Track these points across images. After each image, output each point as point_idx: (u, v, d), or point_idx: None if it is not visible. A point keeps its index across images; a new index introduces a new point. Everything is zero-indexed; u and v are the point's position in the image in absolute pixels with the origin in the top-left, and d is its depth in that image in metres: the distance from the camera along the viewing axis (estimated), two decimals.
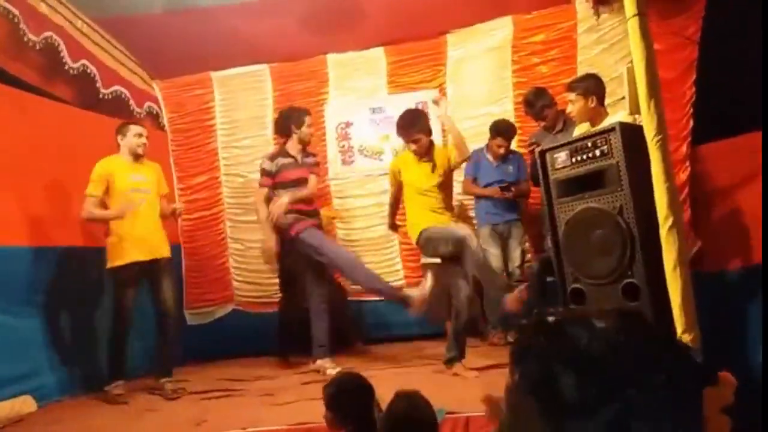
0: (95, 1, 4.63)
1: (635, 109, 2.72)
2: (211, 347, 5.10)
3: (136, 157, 4.04)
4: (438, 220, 3.81)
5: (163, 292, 3.99)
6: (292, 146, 4.28)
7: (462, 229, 3.72)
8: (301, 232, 4.12)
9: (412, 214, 3.94)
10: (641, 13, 2.54)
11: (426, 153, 3.86)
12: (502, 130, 4.66)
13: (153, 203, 4.07)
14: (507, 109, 5.05)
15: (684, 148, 4.65)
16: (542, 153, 3.04)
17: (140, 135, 4.03)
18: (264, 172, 4.28)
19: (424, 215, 3.85)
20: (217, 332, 5.29)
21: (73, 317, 4.28)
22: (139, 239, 3.91)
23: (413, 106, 5.08)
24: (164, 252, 4.05)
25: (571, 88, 3.52)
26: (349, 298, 4.91)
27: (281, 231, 4.18)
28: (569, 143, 2.91)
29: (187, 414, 3.34)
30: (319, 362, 4.07)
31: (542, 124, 4.50)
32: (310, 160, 4.37)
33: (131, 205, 3.85)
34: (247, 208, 5.36)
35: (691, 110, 4.61)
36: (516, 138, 4.83)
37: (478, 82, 5.16)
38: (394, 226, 4.43)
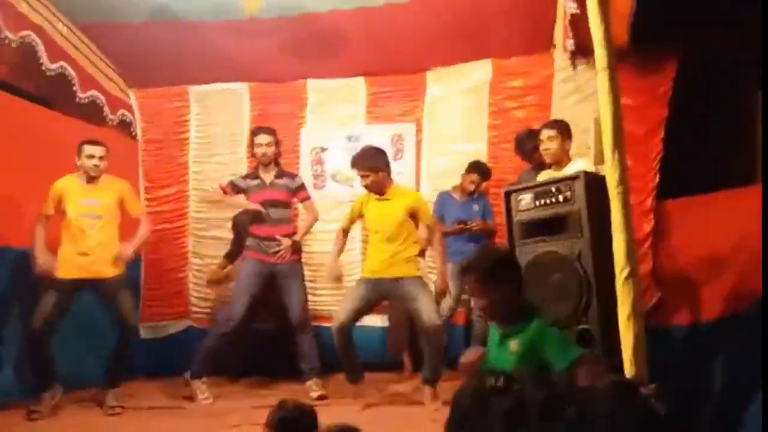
0: (78, 5, 4.59)
1: (600, 159, 2.78)
2: (164, 363, 4.96)
3: (90, 178, 3.96)
4: (395, 262, 3.81)
5: (122, 308, 3.93)
6: (259, 167, 4.30)
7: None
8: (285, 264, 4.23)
9: (367, 254, 4.04)
10: (610, 68, 2.61)
11: (380, 191, 3.90)
12: (478, 168, 4.78)
13: (106, 226, 3.98)
14: (481, 149, 5.11)
15: (649, 201, 4.74)
16: (507, 194, 3.07)
17: (92, 156, 3.93)
18: (231, 184, 4.38)
19: (374, 257, 3.90)
20: (171, 348, 5.15)
21: (14, 321, 4.13)
22: (82, 260, 3.85)
23: (389, 138, 5.18)
24: (113, 271, 3.95)
25: (551, 125, 3.61)
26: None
27: (260, 252, 4.21)
28: (534, 186, 2.96)
29: (130, 428, 3.23)
30: (309, 383, 4.10)
31: (530, 165, 4.56)
32: (285, 182, 4.37)
33: (51, 265, 3.79)
34: (213, 224, 5.31)
35: (658, 165, 4.74)
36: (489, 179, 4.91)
37: (454, 121, 5.23)
38: (337, 271, 4.18)
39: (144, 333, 5.23)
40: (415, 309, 3.73)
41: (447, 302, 4.67)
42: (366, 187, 3.91)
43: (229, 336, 4.15)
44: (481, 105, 5.15)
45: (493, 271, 2.14)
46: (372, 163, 3.87)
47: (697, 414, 3.16)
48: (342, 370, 4.01)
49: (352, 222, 4.14)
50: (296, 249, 4.33)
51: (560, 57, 4.89)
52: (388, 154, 4.95)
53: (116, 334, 3.99)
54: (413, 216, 3.91)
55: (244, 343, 4.51)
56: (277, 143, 4.37)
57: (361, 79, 5.35)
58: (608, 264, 2.50)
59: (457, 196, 4.88)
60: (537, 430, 0.69)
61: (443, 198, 4.91)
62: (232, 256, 4.95)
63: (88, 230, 3.88)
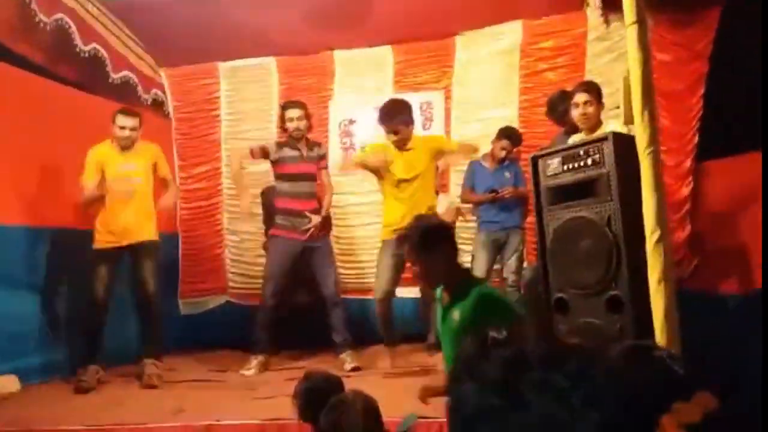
0: None
1: (629, 119, 2.67)
2: (203, 338, 5.10)
3: (124, 147, 4.05)
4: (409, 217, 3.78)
5: (143, 272, 4.02)
6: (292, 141, 4.30)
7: None
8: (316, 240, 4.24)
9: (387, 210, 3.98)
10: (640, 21, 2.48)
11: (405, 144, 3.86)
12: (509, 134, 4.66)
13: (144, 190, 4.10)
14: (512, 114, 5.00)
15: (688, 163, 4.58)
16: (534, 159, 3.00)
17: (123, 128, 4.01)
18: (262, 149, 4.26)
19: (400, 210, 3.84)
20: (209, 323, 5.29)
21: (63, 299, 4.31)
22: (121, 227, 3.98)
23: (418, 106, 5.10)
24: (147, 236, 4.06)
25: (586, 88, 3.48)
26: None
27: (290, 230, 4.23)
28: (562, 150, 2.87)
29: (165, 402, 3.34)
30: (342, 356, 4.12)
31: (563, 128, 4.44)
32: (314, 153, 4.36)
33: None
34: None
35: (698, 124, 4.54)
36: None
37: (484, 86, 5.12)
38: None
39: (183, 309, 5.39)
40: None
41: (477, 271, 4.61)
42: (396, 142, 3.85)
43: (274, 312, 4.21)
44: (512, 68, 5.03)
45: (425, 238, 2.16)
46: (405, 117, 3.85)
47: (736, 383, 3.07)
48: (374, 343, 4.04)
49: (374, 159, 3.96)
50: (326, 224, 4.34)
51: (593, 14, 4.72)
52: (417, 122, 4.94)
53: (137, 303, 4.11)
54: (441, 155, 3.96)
55: (279, 316, 4.58)
56: (307, 117, 4.33)
57: (388, 48, 5.28)
58: (639, 228, 2.42)
59: (487, 164, 4.78)
60: (537, 378, 0.67)
61: (473, 167, 4.81)
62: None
63: (126, 195, 4.00)
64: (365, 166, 4.04)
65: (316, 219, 4.22)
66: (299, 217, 4.23)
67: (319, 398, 2.01)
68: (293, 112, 4.27)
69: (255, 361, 4.15)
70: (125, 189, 3.99)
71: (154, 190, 4.23)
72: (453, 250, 2.22)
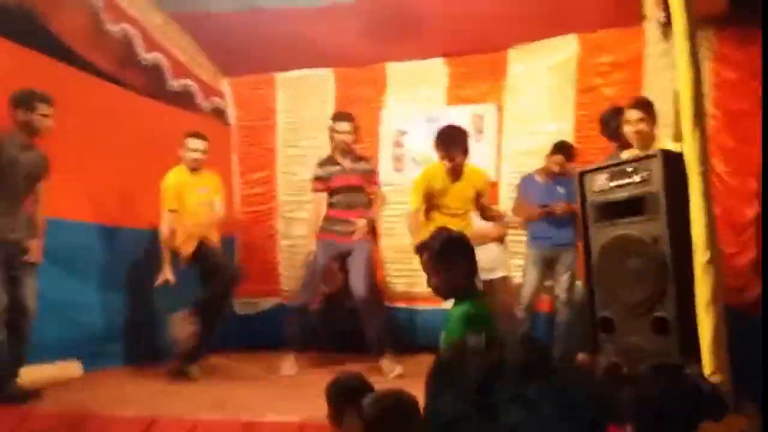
0: None
1: (679, 136, 2.61)
2: (256, 338, 5.24)
3: (194, 169, 4.28)
4: None
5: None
6: (336, 152, 4.38)
7: None
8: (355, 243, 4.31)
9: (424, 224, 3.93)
10: (690, 38, 2.45)
11: (458, 172, 3.86)
12: (564, 148, 4.59)
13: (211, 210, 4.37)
14: (566, 129, 4.93)
15: (753, 183, 4.39)
16: (582, 174, 2.96)
17: (195, 150, 4.25)
18: (316, 178, 4.44)
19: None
20: (263, 323, 5.43)
21: (126, 294, 4.55)
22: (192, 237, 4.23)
23: (469, 119, 5.11)
24: (211, 238, 4.31)
25: (640, 106, 3.40)
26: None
27: (330, 233, 4.33)
28: (609, 166, 2.83)
29: (211, 396, 3.47)
30: (382, 362, 4.14)
31: (616, 145, 4.35)
32: (360, 166, 4.44)
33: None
34: (300, 206, 5.50)
35: (764, 144, 4.36)
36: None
37: (538, 99, 5.08)
38: None
39: (238, 309, 5.55)
40: None
41: (527, 290, 4.58)
42: (451, 168, 3.83)
43: (305, 313, 4.31)
44: (567, 82, 4.97)
45: (445, 250, 2.14)
46: (463, 144, 3.83)
47: None
48: (422, 351, 4.04)
49: (425, 200, 3.95)
50: (371, 228, 4.42)
51: (652, 29, 4.60)
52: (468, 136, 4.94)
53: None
54: (478, 195, 3.92)
55: (329, 319, 4.69)
56: (354, 130, 4.41)
57: (440, 60, 5.31)
58: (687, 249, 2.37)
59: (540, 178, 4.72)
60: (510, 387, 0.69)
61: (526, 181, 4.77)
62: None
63: (203, 217, 4.29)
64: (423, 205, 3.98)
65: (361, 222, 4.29)
66: (343, 222, 4.33)
67: (345, 395, 2.05)
68: (342, 126, 4.36)
69: (290, 359, 4.24)
70: (202, 212, 4.27)
71: None
72: (471, 264, 2.20)
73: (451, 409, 0.71)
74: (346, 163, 4.40)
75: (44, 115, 3.40)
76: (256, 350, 5.05)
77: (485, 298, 2.31)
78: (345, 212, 4.35)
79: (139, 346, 4.57)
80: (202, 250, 4.20)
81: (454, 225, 3.74)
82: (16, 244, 3.41)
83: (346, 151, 4.40)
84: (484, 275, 4.25)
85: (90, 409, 3.15)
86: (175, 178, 4.28)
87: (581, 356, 4.41)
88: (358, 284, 4.27)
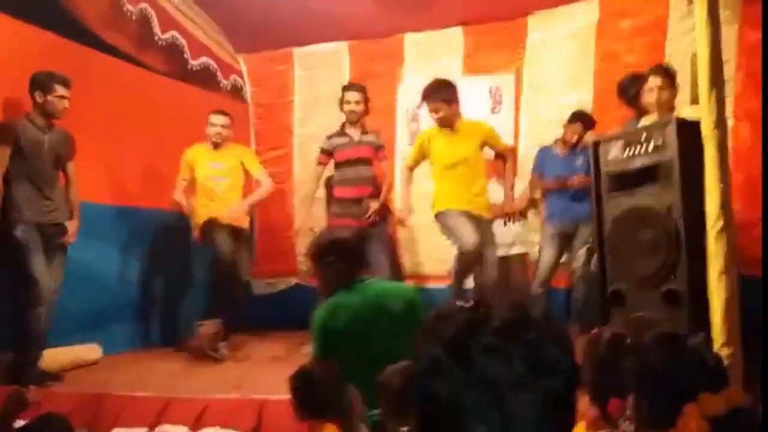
0: None
1: (696, 99, 2.51)
2: (274, 318, 5.27)
3: (215, 144, 4.30)
4: (462, 199, 3.74)
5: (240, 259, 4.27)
6: (346, 124, 4.34)
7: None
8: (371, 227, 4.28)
9: (436, 191, 3.93)
10: None
11: (449, 125, 3.82)
12: (582, 117, 4.49)
13: (232, 185, 4.37)
14: (586, 98, 4.80)
15: None
16: (596, 144, 2.88)
17: (214, 125, 4.29)
18: (321, 151, 4.45)
19: (448, 192, 3.81)
20: (281, 304, 5.47)
21: (147, 276, 4.62)
22: (216, 204, 4.28)
23: (487, 90, 5.02)
24: (241, 223, 4.34)
25: (660, 72, 3.30)
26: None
27: (343, 218, 4.30)
28: (623, 135, 2.74)
29: (228, 376, 3.54)
30: None
31: (635, 112, 4.23)
32: (369, 138, 4.39)
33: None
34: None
35: None
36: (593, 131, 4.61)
37: (557, 68, 4.94)
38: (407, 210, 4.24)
39: (256, 289, 5.59)
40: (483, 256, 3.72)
41: (544, 266, 4.51)
42: (438, 120, 3.84)
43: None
44: (587, 50, 4.81)
45: (322, 254, 2.35)
46: (445, 95, 3.79)
47: None
48: None
49: (418, 159, 4.04)
50: (383, 211, 4.40)
51: None
52: (486, 106, 4.84)
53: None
54: (489, 146, 3.90)
55: None
56: (365, 101, 4.37)
57: (458, 29, 5.18)
58: (701, 218, 2.29)
59: (558, 150, 4.61)
60: (487, 341, 0.70)
61: (543, 153, 4.65)
62: None
63: (215, 189, 4.31)
64: (415, 163, 4.06)
65: (373, 204, 4.26)
66: (354, 203, 4.30)
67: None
68: (351, 95, 4.34)
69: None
70: (211, 186, 4.28)
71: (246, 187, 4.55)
72: (348, 263, 2.34)
73: (430, 358, 0.73)
74: (355, 134, 4.37)
75: (61, 97, 3.45)
76: (274, 330, 5.09)
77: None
78: (352, 189, 4.33)
79: (160, 327, 4.66)
80: (210, 231, 4.22)
81: (465, 185, 3.71)
82: (55, 226, 3.50)
83: (355, 122, 4.38)
84: (502, 251, 4.21)
85: (108, 390, 3.24)
86: (192, 151, 4.36)
87: (573, 331, 4.39)
88: (381, 268, 4.22)
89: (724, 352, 2.19)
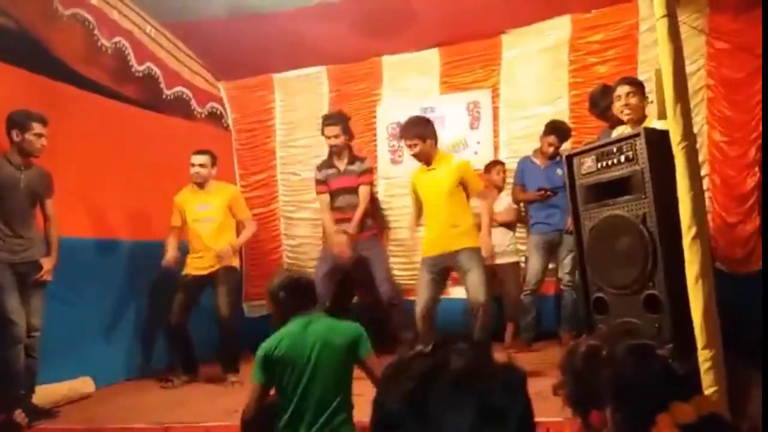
0: (163, 7, 4.89)
1: (663, 114, 2.60)
2: (265, 340, 5.27)
3: (199, 185, 4.35)
4: (441, 238, 3.81)
5: (217, 297, 4.30)
6: (335, 156, 4.49)
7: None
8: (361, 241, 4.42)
9: (425, 227, 4.04)
10: (670, 14, 2.42)
11: (427, 161, 3.89)
12: (556, 129, 4.61)
13: (220, 225, 4.39)
14: (562, 110, 4.92)
15: (752, 152, 4.37)
16: (569, 157, 2.96)
17: (193, 165, 4.33)
18: (317, 182, 4.57)
19: (428, 232, 3.92)
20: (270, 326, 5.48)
21: (133, 307, 4.62)
22: (199, 257, 4.32)
23: (465, 106, 5.12)
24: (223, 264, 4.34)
25: (629, 81, 3.40)
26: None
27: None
28: (595, 147, 2.82)
29: (222, 403, 3.53)
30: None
31: (607, 123, 4.34)
32: (356, 167, 4.48)
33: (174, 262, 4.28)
34: (300, 206, 5.55)
35: (761, 112, 4.31)
36: (570, 140, 4.72)
37: (532, 82, 5.06)
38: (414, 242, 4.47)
39: (248, 312, 5.61)
40: (466, 284, 3.77)
41: (532, 275, 4.59)
42: (414, 156, 3.91)
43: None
44: (561, 63, 4.95)
45: (276, 291, 2.58)
46: (418, 131, 3.86)
47: None
48: None
49: (415, 200, 4.11)
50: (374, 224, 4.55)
51: (644, 4, 4.57)
52: (464, 123, 4.93)
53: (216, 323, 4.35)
54: (464, 186, 3.88)
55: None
56: (345, 131, 4.45)
57: (434, 51, 5.30)
58: (676, 225, 2.36)
59: (538, 161, 4.73)
60: (445, 392, 0.72)
61: (524, 164, 4.78)
62: None
63: (202, 233, 4.34)
64: (415, 202, 4.13)
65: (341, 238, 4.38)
66: (345, 224, 4.41)
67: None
68: (329, 130, 4.44)
69: None
70: (198, 230, 4.33)
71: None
72: (295, 301, 2.54)
73: (387, 414, 0.74)
74: (341, 165, 4.48)
75: (39, 135, 3.47)
76: None
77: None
78: (346, 214, 4.45)
79: (151, 358, 4.65)
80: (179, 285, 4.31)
81: (444, 223, 3.79)
82: (30, 264, 3.49)
83: (339, 153, 4.48)
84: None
85: (104, 424, 3.24)
86: (181, 196, 4.42)
87: (565, 337, 4.48)
88: (380, 279, 4.41)
89: (705, 355, 2.25)
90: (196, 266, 4.33)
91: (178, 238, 4.37)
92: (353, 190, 4.46)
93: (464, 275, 3.76)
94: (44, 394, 3.59)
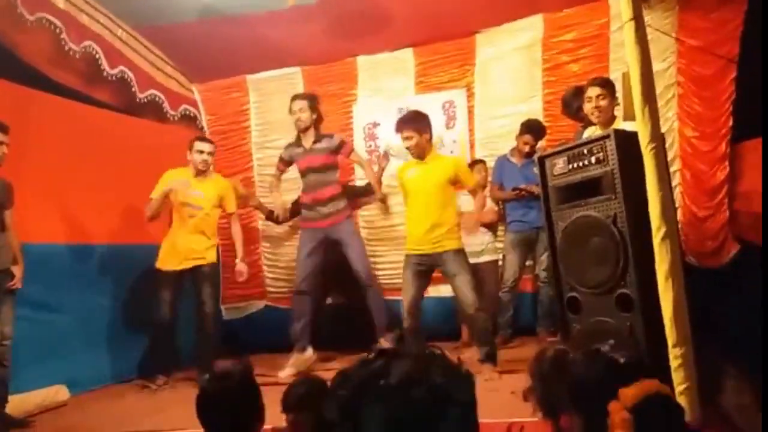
0: (134, 11, 4.83)
1: (630, 116, 2.64)
2: (245, 342, 5.25)
3: (199, 172, 4.29)
4: (426, 236, 3.82)
5: (201, 296, 4.27)
6: (300, 134, 4.47)
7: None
8: (337, 224, 4.41)
9: (407, 224, 4.03)
10: (637, 17, 2.46)
11: (421, 155, 3.91)
12: (531, 128, 4.65)
13: (205, 218, 4.33)
14: (536, 108, 4.96)
15: (722, 147, 4.46)
16: (541, 159, 2.99)
17: (201, 152, 4.30)
18: (279, 159, 4.64)
19: (413, 227, 3.91)
20: (251, 327, 5.46)
21: (108, 312, 4.56)
22: (180, 250, 4.23)
23: (440, 106, 5.14)
24: (205, 260, 4.31)
25: (599, 83, 3.44)
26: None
27: (310, 220, 4.44)
28: (566, 149, 2.86)
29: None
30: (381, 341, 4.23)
31: (580, 124, 4.39)
32: (324, 144, 4.45)
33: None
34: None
35: (731, 108, 4.40)
36: (545, 138, 4.77)
37: (507, 81, 5.09)
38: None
39: (226, 314, 5.58)
40: (454, 287, 3.80)
41: (509, 273, 4.64)
42: (409, 149, 3.93)
43: (303, 307, 4.37)
44: (534, 62, 4.99)
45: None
46: (416, 125, 3.88)
47: None
48: None
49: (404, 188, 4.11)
50: (355, 193, 4.59)
51: (615, 3, 4.61)
52: (440, 122, 4.94)
53: (196, 321, 4.33)
54: (454, 184, 3.91)
55: (320, 316, 4.74)
56: (312, 108, 4.42)
57: (409, 51, 5.31)
58: (646, 225, 2.40)
59: (515, 159, 4.77)
60: (380, 406, 0.73)
61: (501, 163, 4.82)
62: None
63: (188, 219, 4.26)
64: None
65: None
66: (318, 205, 4.40)
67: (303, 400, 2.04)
68: (296, 104, 4.43)
69: (292, 359, 4.28)
70: (185, 214, 4.26)
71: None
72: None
73: (323, 420, 0.75)
74: (308, 143, 4.45)
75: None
76: (246, 355, 5.05)
77: None
78: (314, 194, 4.42)
79: (127, 363, 4.58)
80: (157, 283, 4.25)
81: (431, 221, 3.80)
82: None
83: (304, 130, 4.46)
84: (472, 259, 4.32)
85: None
86: (175, 173, 4.32)
87: (542, 333, 4.55)
88: (362, 270, 4.39)
89: (676, 353, 2.30)
90: (175, 260, 4.23)
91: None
92: (323, 169, 4.44)
93: (452, 279, 3.80)
94: (17, 403, 3.54)
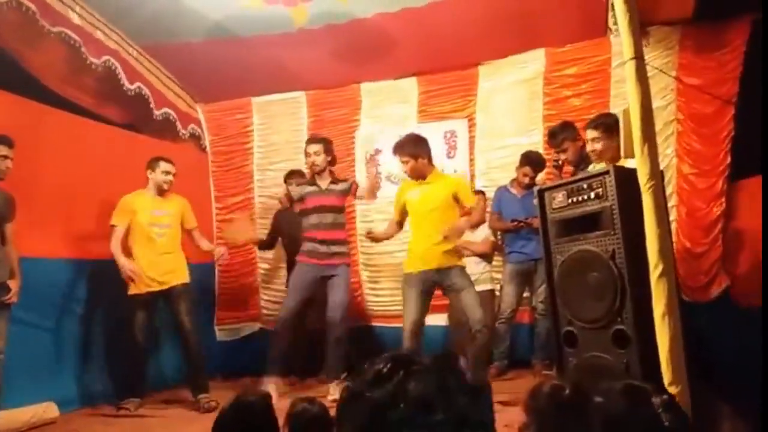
0: (140, 29, 4.87)
1: (629, 153, 2.67)
2: (240, 364, 5.22)
3: (161, 192, 4.31)
4: (429, 253, 3.85)
5: (180, 315, 4.25)
6: (315, 176, 4.49)
7: None
8: (336, 266, 4.36)
9: (409, 243, 4.07)
10: (638, 57, 2.50)
11: (421, 177, 3.98)
12: (531, 160, 4.68)
13: (172, 236, 4.34)
14: (536, 141, 5.00)
15: (720, 184, 4.49)
16: (541, 192, 3.01)
17: (167, 172, 4.30)
18: (287, 195, 4.65)
19: (416, 245, 3.94)
20: (244, 350, 5.43)
21: (100, 329, 4.52)
22: (152, 271, 4.20)
23: (442, 135, 5.19)
24: (179, 279, 4.29)
25: (595, 125, 3.48)
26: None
27: (311, 257, 4.37)
28: (567, 183, 2.88)
29: (191, 428, 3.48)
30: (332, 387, 4.14)
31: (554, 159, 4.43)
32: (339, 187, 4.48)
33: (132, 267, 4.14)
34: None
35: (729, 146, 4.45)
36: (545, 171, 4.80)
37: (508, 113, 5.14)
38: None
39: (220, 336, 5.55)
40: (462, 303, 3.83)
41: (506, 303, 4.64)
42: (407, 172, 3.99)
43: (284, 336, 4.32)
44: (535, 96, 5.05)
45: None
46: (412, 149, 3.94)
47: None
48: None
49: (398, 211, 4.18)
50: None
51: (617, 40, 4.69)
52: (441, 151, 4.98)
53: (180, 342, 4.32)
54: (456, 202, 3.96)
55: (307, 344, 4.71)
56: (327, 152, 4.45)
57: (413, 79, 5.38)
58: (644, 262, 2.41)
59: (515, 190, 4.80)
60: (406, 422, 0.72)
61: (501, 193, 4.84)
62: (264, 245, 5.26)
63: (157, 239, 4.25)
64: (399, 216, 4.20)
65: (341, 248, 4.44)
66: (326, 244, 4.36)
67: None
68: (311, 148, 4.45)
69: (271, 385, 4.23)
70: (151, 235, 4.23)
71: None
72: None
73: None
74: (324, 183, 4.46)
75: (4, 157, 3.44)
76: (239, 377, 5.04)
77: None
78: (319, 233, 4.38)
79: (117, 383, 4.53)
80: (130, 308, 4.22)
81: (433, 239, 3.81)
82: None
83: (320, 173, 4.46)
84: None
85: None
86: (135, 196, 4.30)
87: (538, 366, 4.53)
88: (336, 311, 4.29)
89: (672, 391, 2.29)
90: (147, 282, 4.19)
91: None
92: (334, 209, 4.45)
93: (457, 294, 3.83)
94: (6, 420, 3.50)
